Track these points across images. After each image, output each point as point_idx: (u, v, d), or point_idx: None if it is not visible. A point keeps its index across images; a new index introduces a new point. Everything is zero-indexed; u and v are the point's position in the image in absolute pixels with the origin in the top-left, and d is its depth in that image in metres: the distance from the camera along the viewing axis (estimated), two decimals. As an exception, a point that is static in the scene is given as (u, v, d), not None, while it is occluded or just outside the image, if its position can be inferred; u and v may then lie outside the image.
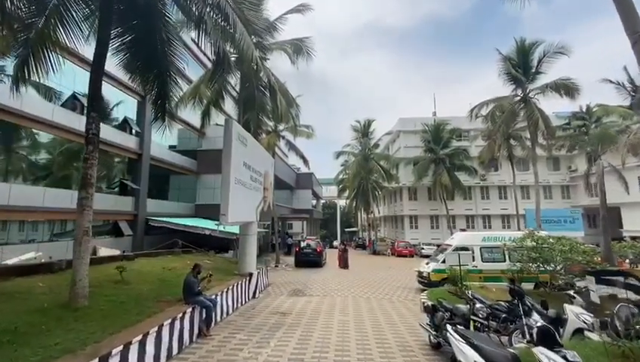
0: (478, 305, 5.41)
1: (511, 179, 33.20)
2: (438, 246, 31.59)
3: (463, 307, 5.62)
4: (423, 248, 31.18)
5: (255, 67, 9.77)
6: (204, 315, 6.80)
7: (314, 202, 49.78)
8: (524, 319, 5.96)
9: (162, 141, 21.77)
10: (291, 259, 22.38)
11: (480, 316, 5.27)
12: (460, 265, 9.44)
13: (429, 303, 6.40)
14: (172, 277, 9.05)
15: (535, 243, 9.38)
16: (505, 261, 11.97)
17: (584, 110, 31.12)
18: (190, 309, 6.44)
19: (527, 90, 19.68)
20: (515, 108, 20.25)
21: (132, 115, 18.61)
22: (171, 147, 23.48)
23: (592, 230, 33.73)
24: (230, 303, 8.70)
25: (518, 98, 20.10)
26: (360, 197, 38.30)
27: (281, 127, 23.59)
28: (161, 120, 8.62)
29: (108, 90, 16.56)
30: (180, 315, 5.97)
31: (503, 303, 6.58)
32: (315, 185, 43.52)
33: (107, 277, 7.79)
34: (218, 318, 7.82)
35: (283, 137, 24.20)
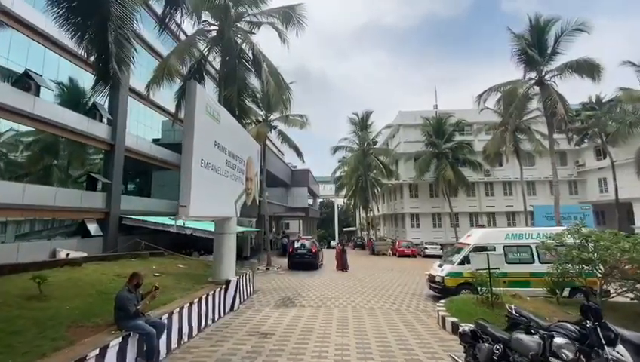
0: (558, 340, 3.45)
1: (515, 175, 31.44)
2: (442, 245, 30.11)
3: (529, 340, 3.64)
4: (426, 248, 29.28)
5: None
6: (144, 345, 4.82)
7: (310, 201, 47.79)
8: (607, 351, 4.01)
9: (144, 133, 19.78)
10: (285, 261, 20.39)
11: (564, 358, 3.32)
12: (489, 269, 7.49)
13: (466, 328, 4.44)
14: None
15: (584, 241, 7.43)
16: (533, 262, 10.12)
17: (594, 100, 29.64)
18: (120, 339, 4.45)
19: (543, 73, 17.76)
20: (528, 93, 18.35)
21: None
22: (155, 140, 21.40)
23: (602, 227, 32.16)
24: (194, 322, 6.67)
25: (533, 81, 18.18)
26: (358, 194, 36.48)
27: (272, 116, 21.54)
28: (103, 83, 6.60)
29: (73, 71, 14.60)
30: (97, 352, 3.97)
31: (569, 325, 4.60)
32: (311, 183, 41.45)
33: (22, 290, 5.76)
34: (174, 345, 5.81)
35: (275, 127, 22.12)
